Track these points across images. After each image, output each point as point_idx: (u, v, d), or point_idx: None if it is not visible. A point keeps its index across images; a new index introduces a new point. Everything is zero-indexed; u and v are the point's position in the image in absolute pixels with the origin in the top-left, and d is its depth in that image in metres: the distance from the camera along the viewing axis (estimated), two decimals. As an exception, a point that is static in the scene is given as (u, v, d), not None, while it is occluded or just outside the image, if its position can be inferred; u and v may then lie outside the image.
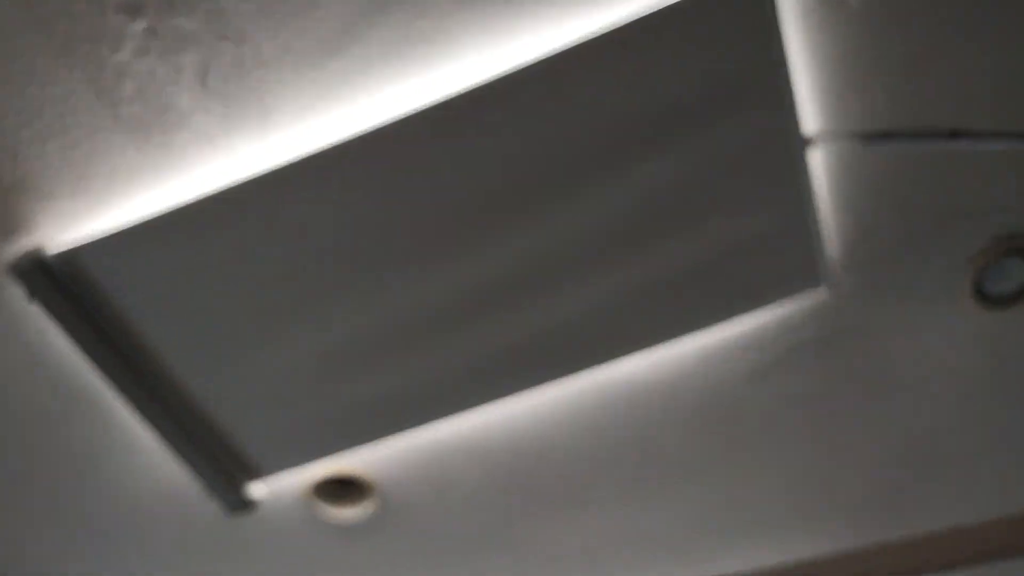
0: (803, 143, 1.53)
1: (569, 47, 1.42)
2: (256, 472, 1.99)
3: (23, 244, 1.67)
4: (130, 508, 2.20)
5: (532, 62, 1.43)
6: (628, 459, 2.11)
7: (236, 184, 1.55)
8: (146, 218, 1.59)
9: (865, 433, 2.07)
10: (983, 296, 1.85)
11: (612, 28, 1.40)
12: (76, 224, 1.66)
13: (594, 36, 1.41)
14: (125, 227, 1.60)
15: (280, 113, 1.52)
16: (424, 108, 1.47)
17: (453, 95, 1.46)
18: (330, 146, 1.51)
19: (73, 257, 1.63)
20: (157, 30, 1.42)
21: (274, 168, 1.53)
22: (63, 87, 1.49)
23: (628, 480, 2.15)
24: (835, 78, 1.53)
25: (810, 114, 1.57)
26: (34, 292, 1.66)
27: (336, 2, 1.39)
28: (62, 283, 1.66)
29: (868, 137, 1.47)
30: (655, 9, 1.38)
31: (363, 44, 1.45)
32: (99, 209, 1.65)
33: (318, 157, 1.52)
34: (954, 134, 1.23)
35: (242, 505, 2.01)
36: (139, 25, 1.42)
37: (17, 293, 1.69)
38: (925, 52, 1.51)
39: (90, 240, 1.62)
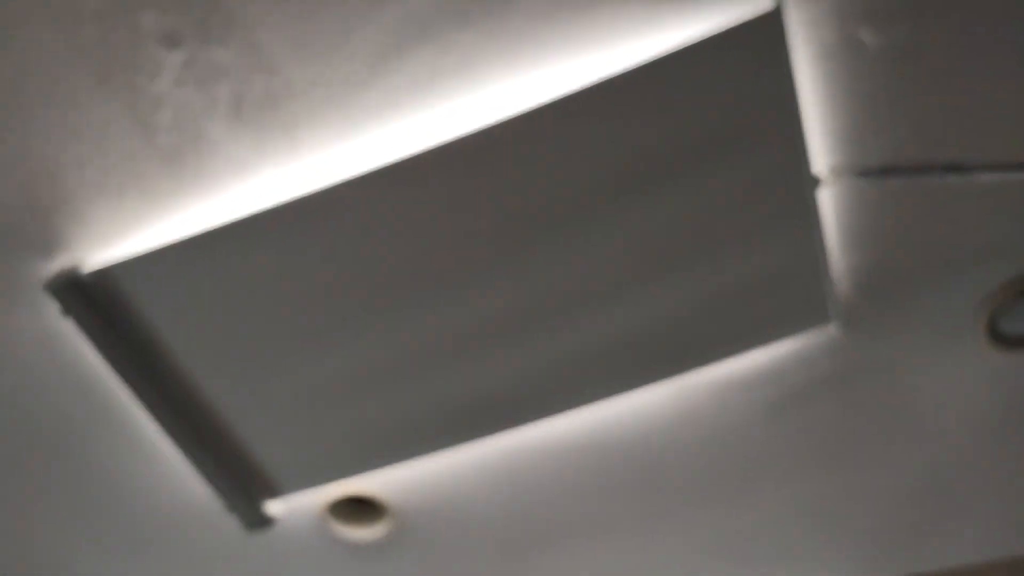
0: (813, 181, 1.55)
1: (588, 86, 1.46)
2: (275, 490, 2.01)
3: (60, 262, 1.72)
4: (150, 520, 2.23)
5: (552, 100, 1.47)
6: (641, 489, 2.11)
7: (266, 209, 1.59)
8: (178, 239, 1.64)
9: (877, 469, 2.07)
10: (998, 336, 1.85)
11: (630, 68, 1.44)
12: (111, 245, 1.70)
13: (612, 76, 1.44)
14: (158, 248, 1.65)
15: (309, 143, 1.56)
16: (449, 141, 1.51)
17: (478, 129, 1.50)
18: (358, 175, 1.55)
19: (106, 275, 1.67)
20: (194, 61, 1.47)
21: (302, 195, 1.57)
22: (102, 114, 1.54)
23: (641, 510, 2.16)
24: (847, 117, 1.56)
25: (821, 152, 1.60)
26: (68, 308, 1.70)
27: (365, 39, 1.44)
28: (95, 300, 1.70)
29: (866, 173, 1.50)
30: (673, 50, 1.42)
31: (391, 78, 1.49)
32: (134, 231, 1.69)
33: (346, 185, 1.56)
34: (949, 168, 1.27)
35: (260, 522, 2.03)
36: (177, 56, 1.47)
37: (52, 309, 1.73)
38: (939, 92, 1.53)
39: (123, 259, 1.66)
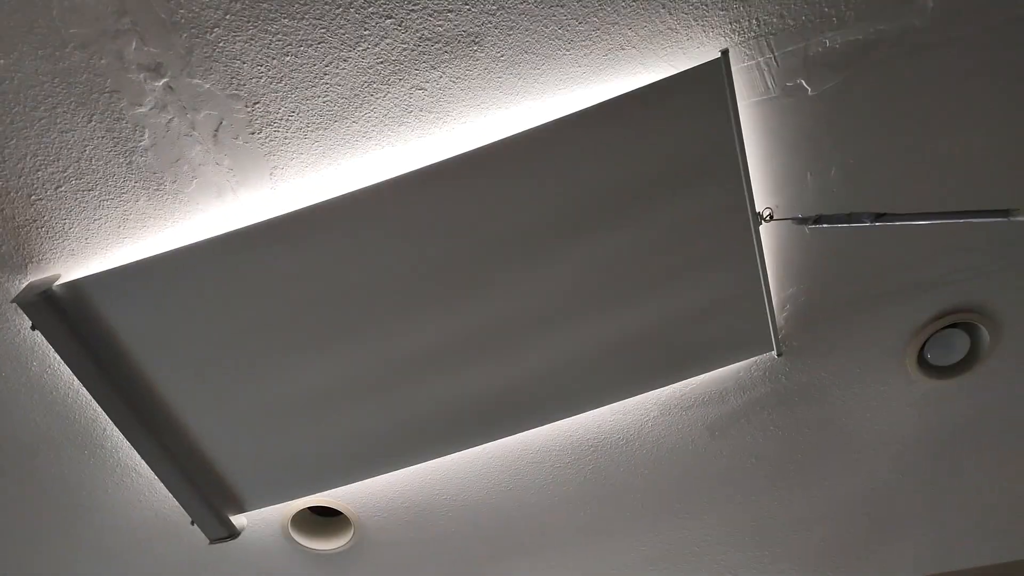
0: (755, 219, 1.66)
1: (546, 124, 1.55)
2: (240, 506, 2.03)
3: (31, 278, 1.74)
4: (117, 533, 2.22)
5: (512, 135, 1.56)
6: (591, 503, 2.17)
7: (235, 230, 1.63)
8: (149, 256, 1.66)
9: (814, 488, 2.15)
10: (926, 365, 1.95)
11: (585, 108, 1.53)
12: (87, 262, 1.73)
13: (568, 115, 1.54)
14: (127, 263, 1.67)
15: (284, 169, 1.63)
16: (413, 171, 1.58)
17: (442, 160, 1.58)
18: (327, 200, 1.61)
19: (76, 289, 1.68)
20: (175, 87, 1.52)
21: (271, 218, 1.62)
22: (81, 134, 1.58)
23: (591, 524, 2.21)
24: (787, 159, 1.66)
25: (763, 192, 1.69)
26: (37, 322, 1.68)
27: (343, 73, 1.51)
28: (65, 315, 1.69)
29: (803, 221, 1.60)
30: (624, 92, 1.52)
31: (366, 110, 1.56)
32: (109, 249, 1.73)
33: (313, 210, 1.61)
34: (877, 216, 1.36)
35: (224, 535, 2.03)
36: (159, 82, 1.52)
37: (23, 322, 1.74)
38: (873, 136, 1.65)
39: (93, 274, 1.67)
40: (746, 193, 1.63)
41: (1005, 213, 1.21)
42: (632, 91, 1.51)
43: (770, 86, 1.58)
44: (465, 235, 1.66)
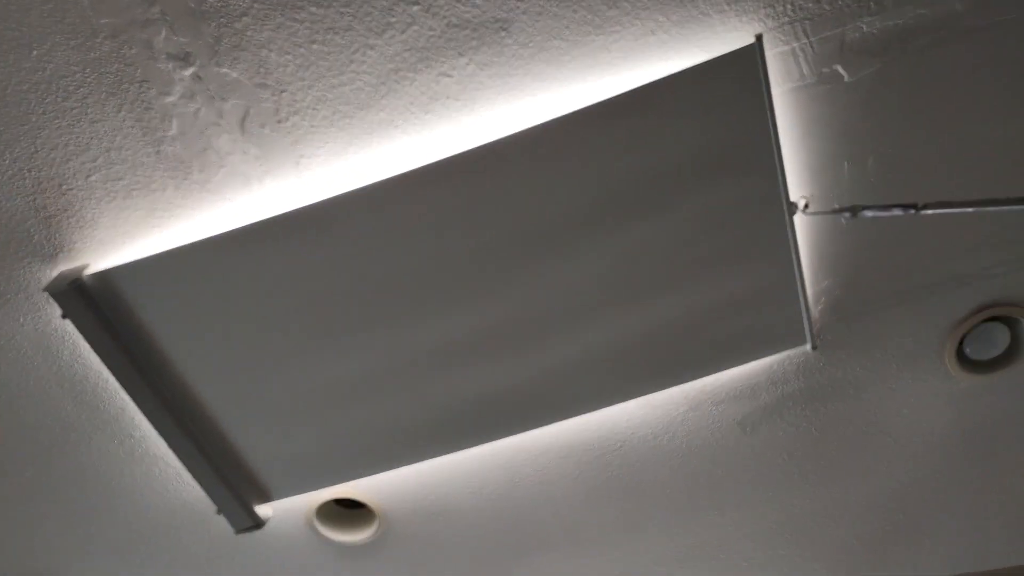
0: (790, 209, 1.62)
1: (577, 111, 1.53)
2: (265, 495, 2.04)
3: (62, 267, 1.76)
4: (143, 521, 2.25)
5: (543, 123, 1.54)
6: (622, 498, 2.16)
7: (265, 220, 1.64)
8: (179, 245, 1.67)
9: (846, 484, 2.12)
10: (965, 360, 1.92)
11: (616, 95, 1.51)
12: (116, 251, 1.75)
13: (600, 102, 1.51)
14: (157, 253, 1.68)
15: (311, 158, 1.63)
16: (444, 160, 1.57)
17: (471, 149, 1.57)
18: (355, 189, 1.61)
19: (106, 279, 1.70)
20: (203, 76, 1.53)
21: (300, 207, 1.63)
22: (111, 124, 1.59)
23: (621, 518, 2.20)
24: (823, 148, 1.63)
25: (798, 182, 1.66)
26: (67, 311, 1.71)
27: (369, 61, 1.51)
28: (95, 304, 1.71)
29: (840, 211, 1.56)
30: (657, 78, 1.49)
31: (392, 99, 1.56)
32: (138, 239, 1.74)
33: (343, 200, 1.61)
34: (919, 207, 1.33)
35: (250, 525, 2.05)
36: (187, 71, 1.53)
37: (54, 312, 1.76)
38: (910, 126, 1.61)
39: (123, 264, 1.69)
40: (780, 183, 1.59)
41: None
42: (663, 78, 1.49)
43: (805, 73, 1.55)
44: (493, 226, 1.65)
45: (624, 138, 1.54)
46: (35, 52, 1.51)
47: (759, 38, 1.47)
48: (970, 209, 1.35)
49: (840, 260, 1.76)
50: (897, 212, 1.35)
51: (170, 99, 1.56)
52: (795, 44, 1.52)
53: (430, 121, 1.59)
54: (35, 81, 1.54)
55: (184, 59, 1.51)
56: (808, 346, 1.81)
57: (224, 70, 1.52)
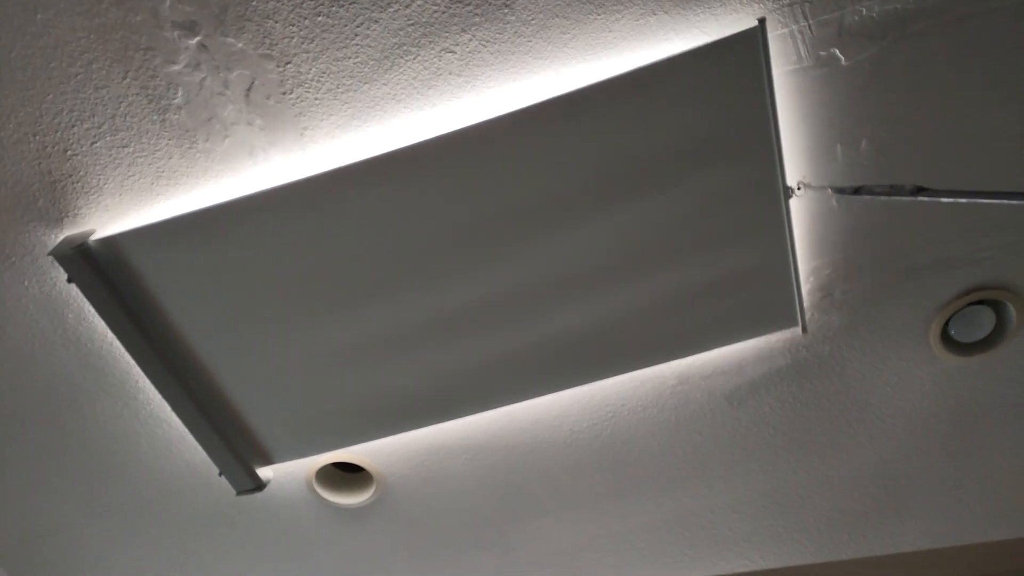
0: (786, 192, 1.65)
1: (578, 89, 1.54)
2: (267, 458, 2.08)
3: (68, 232, 1.78)
4: (148, 482, 2.29)
5: (544, 100, 1.55)
6: (608, 468, 2.20)
7: (267, 190, 1.65)
8: (183, 213, 1.69)
9: (830, 459, 2.16)
10: (950, 341, 1.94)
11: (618, 74, 1.52)
12: (121, 218, 1.77)
13: (601, 81, 1.53)
14: (163, 220, 1.70)
15: (315, 130, 1.64)
16: (445, 135, 1.59)
17: (472, 125, 1.58)
18: (356, 162, 1.63)
19: (111, 244, 1.71)
20: (209, 46, 1.54)
21: (303, 178, 1.64)
22: (116, 91, 1.60)
23: (607, 488, 2.25)
24: (820, 132, 1.64)
25: (794, 164, 1.67)
26: (72, 275, 1.72)
27: (373, 35, 1.52)
28: (100, 269, 1.73)
29: (841, 190, 1.58)
30: (658, 60, 1.50)
31: (395, 73, 1.57)
32: (143, 205, 1.76)
33: (345, 172, 1.63)
34: (918, 190, 1.34)
35: (251, 487, 2.09)
36: (193, 40, 1.53)
37: (59, 275, 1.78)
38: (905, 113, 1.62)
39: (128, 230, 1.71)
40: (778, 166, 1.61)
41: None
42: (664, 59, 1.50)
43: (803, 55, 1.56)
44: (492, 199, 1.67)
45: (624, 119, 1.56)
46: (40, 16, 1.52)
47: (762, 22, 1.47)
48: (963, 200, 1.36)
49: (830, 241, 1.78)
50: (899, 196, 1.36)
51: (175, 68, 1.57)
52: (794, 27, 1.53)
53: (432, 96, 1.60)
54: (40, 46, 1.55)
55: (190, 28, 1.52)
56: (799, 328, 1.84)
57: (230, 40, 1.53)
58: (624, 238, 1.71)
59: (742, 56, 1.49)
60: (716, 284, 1.77)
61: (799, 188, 1.65)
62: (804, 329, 1.83)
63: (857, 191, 1.51)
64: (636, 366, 1.91)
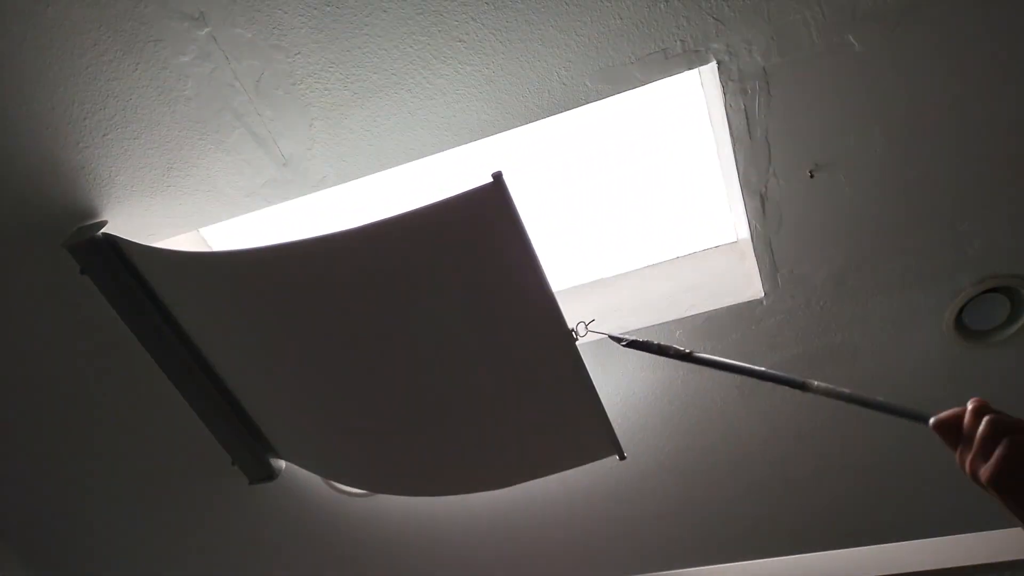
0: (571, 337, 1.56)
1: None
2: (277, 451, 2.10)
3: (80, 223, 1.80)
4: (161, 472, 2.33)
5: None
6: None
7: (281, 245, 1.53)
8: (196, 252, 1.69)
9: (837, 449, 2.15)
10: (963, 329, 1.92)
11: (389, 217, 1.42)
12: (133, 209, 1.78)
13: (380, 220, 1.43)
14: (176, 251, 1.67)
15: (324, 120, 1.64)
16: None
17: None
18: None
19: (123, 242, 1.70)
20: (218, 37, 1.54)
21: (315, 237, 1.50)
22: (127, 82, 1.61)
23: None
24: (832, 117, 1.61)
25: (805, 151, 1.63)
26: (85, 267, 1.74)
27: (382, 24, 1.51)
28: (113, 261, 1.73)
29: (618, 340, 1.53)
30: (418, 207, 1.39)
31: (405, 62, 1.57)
32: (155, 197, 1.77)
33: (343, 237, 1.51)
34: (688, 355, 1.38)
35: (264, 476, 2.11)
36: (202, 31, 1.54)
37: (72, 267, 1.78)
38: (923, 95, 1.59)
39: (143, 244, 1.70)
40: (559, 314, 1.50)
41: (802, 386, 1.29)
42: (419, 208, 1.38)
43: (816, 41, 1.54)
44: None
45: (412, 252, 1.47)
46: (51, 8, 1.53)
47: (497, 177, 1.34)
48: (733, 373, 1.41)
49: (842, 226, 1.76)
50: (666, 355, 1.41)
51: (185, 59, 1.57)
52: (806, 12, 1.51)
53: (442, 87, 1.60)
54: (51, 37, 1.56)
55: (199, 18, 1.52)
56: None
57: (239, 31, 1.53)
58: (439, 378, 1.68)
59: (490, 208, 1.37)
60: (533, 421, 1.74)
61: (586, 332, 1.57)
62: (622, 457, 1.79)
63: (632, 344, 1.48)
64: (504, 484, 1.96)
